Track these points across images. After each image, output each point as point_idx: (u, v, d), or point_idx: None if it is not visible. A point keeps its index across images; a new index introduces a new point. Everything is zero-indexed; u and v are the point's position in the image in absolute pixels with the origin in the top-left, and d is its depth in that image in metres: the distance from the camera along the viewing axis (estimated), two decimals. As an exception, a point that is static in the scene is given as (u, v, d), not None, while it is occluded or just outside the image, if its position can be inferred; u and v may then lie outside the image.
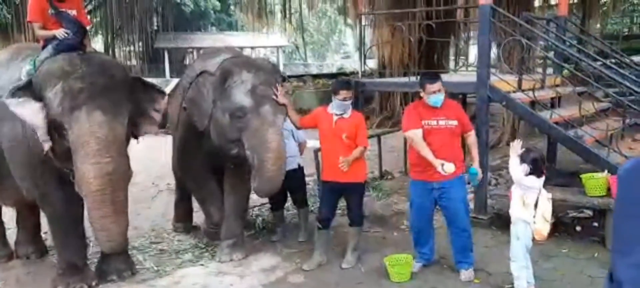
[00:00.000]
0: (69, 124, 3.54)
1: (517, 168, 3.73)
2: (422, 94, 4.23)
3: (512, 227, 3.85)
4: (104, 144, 3.54)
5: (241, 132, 4.24)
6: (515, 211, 3.80)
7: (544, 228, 3.70)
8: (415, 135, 4.17)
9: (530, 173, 3.70)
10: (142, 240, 5.43)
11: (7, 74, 4.17)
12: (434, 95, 4.14)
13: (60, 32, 3.94)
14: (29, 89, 3.67)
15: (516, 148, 3.78)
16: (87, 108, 3.53)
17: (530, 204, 3.69)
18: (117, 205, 3.65)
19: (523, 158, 3.74)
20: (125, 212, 3.80)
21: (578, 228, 5.02)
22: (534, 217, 3.68)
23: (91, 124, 3.52)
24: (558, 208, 5.19)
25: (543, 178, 3.75)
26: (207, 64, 4.67)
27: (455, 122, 4.17)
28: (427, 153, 4.07)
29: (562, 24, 6.68)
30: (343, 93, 4.42)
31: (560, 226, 5.12)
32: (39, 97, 3.64)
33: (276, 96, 4.31)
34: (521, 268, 3.81)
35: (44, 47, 4.03)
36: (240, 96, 4.23)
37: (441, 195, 4.21)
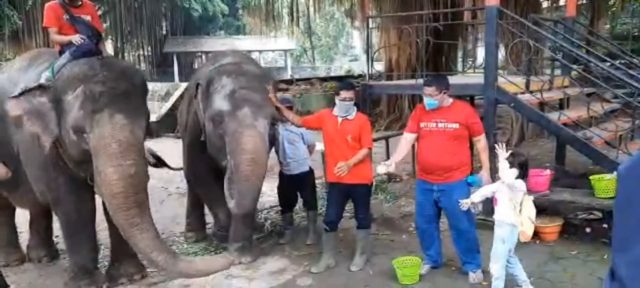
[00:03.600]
0: (90, 127, 3.56)
1: (508, 172, 3.77)
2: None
3: (497, 229, 3.87)
4: (126, 147, 3.56)
5: (223, 138, 4.25)
6: (504, 215, 3.82)
7: (530, 229, 3.78)
8: (404, 138, 4.40)
9: (518, 177, 3.76)
10: (152, 243, 5.47)
11: (24, 77, 4.22)
12: (426, 98, 4.20)
13: (76, 38, 3.99)
14: (43, 90, 3.72)
15: (501, 153, 3.83)
16: (109, 111, 3.56)
17: (517, 206, 3.74)
18: (141, 206, 3.64)
19: (512, 163, 3.79)
20: (149, 210, 3.76)
21: (588, 229, 4.98)
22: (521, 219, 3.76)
23: (113, 126, 3.55)
24: (567, 209, 5.19)
25: (524, 181, 3.87)
26: (205, 73, 4.71)
27: (455, 125, 4.15)
28: (395, 157, 4.35)
29: (570, 25, 6.66)
30: (343, 93, 4.45)
31: (570, 228, 5.10)
32: (57, 101, 3.69)
33: (262, 105, 4.30)
34: (503, 269, 3.85)
35: (60, 52, 4.08)
36: (219, 101, 4.26)
37: (440, 197, 4.24)
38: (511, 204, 3.77)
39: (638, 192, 1.06)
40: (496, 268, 3.85)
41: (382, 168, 4.24)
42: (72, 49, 3.95)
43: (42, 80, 3.88)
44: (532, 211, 3.78)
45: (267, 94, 4.49)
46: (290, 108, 4.99)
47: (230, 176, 4.34)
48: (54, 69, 3.89)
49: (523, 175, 3.81)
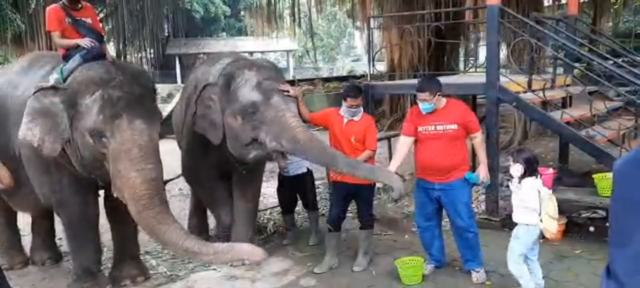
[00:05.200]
0: (110, 132, 3.59)
1: (513, 170, 3.79)
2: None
3: (515, 228, 3.88)
4: (146, 151, 3.62)
5: (257, 129, 4.19)
6: (516, 215, 3.84)
7: (552, 226, 3.73)
8: (401, 142, 4.38)
9: (525, 174, 3.73)
10: (155, 244, 5.46)
11: (26, 80, 4.24)
12: (422, 103, 4.19)
13: (85, 42, 4.00)
14: (55, 91, 3.76)
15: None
16: (128, 116, 3.60)
17: (530, 207, 3.71)
18: (164, 203, 3.70)
19: (516, 159, 3.78)
20: (168, 205, 3.79)
21: (591, 228, 4.97)
22: (541, 216, 3.70)
23: (133, 132, 3.59)
24: (571, 208, 5.16)
25: (539, 177, 3.80)
26: (208, 73, 4.66)
27: (453, 126, 4.15)
28: (394, 163, 4.33)
29: (572, 23, 6.64)
30: (349, 101, 4.46)
31: (574, 227, 5.08)
32: (71, 103, 3.71)
33: (285, 91, 4.28)
34: (519, 267, 3.83)
35: (64, 56, 4.08)
36: (248, 93, 4.21)
37: (441, 197, 4.25)
38: (521, 204, 3.75)
39: (634, 187, 1.06)
40: (512, 267, 3.84)
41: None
42: (83, 52, 3.96)
43: (51, 82, 3.89)
44: (551, 207, 3.73)
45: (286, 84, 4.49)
46: None
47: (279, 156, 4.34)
48: (64, 72, 3.89)
49: (531, 171, 3.75)
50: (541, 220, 3.70)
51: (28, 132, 3.75)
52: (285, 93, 4.27)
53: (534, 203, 3.69)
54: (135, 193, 3.58)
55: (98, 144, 3.66)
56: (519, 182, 3.78)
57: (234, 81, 4.28)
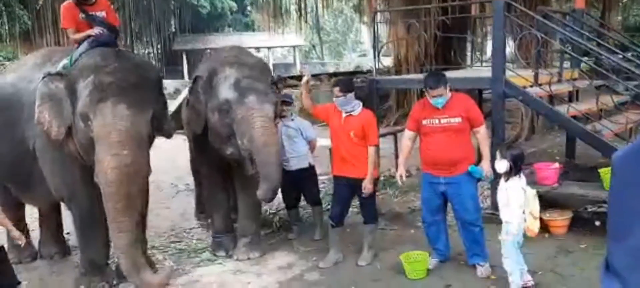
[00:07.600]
0: (93, 115, 3.65)
1: (498, 164, 3.81)
2: (426, 94, 4.25)
3: (503, 225, 3.88)
4: (125, 137, 3.64)
5: (230, 127, 4.30)
6: (504, 214, 3.85)
7: (534, 225, 3.76)
8: (406, 137, 4.45)
9: (510, 171, 3.76)
10: (162, 239, 5.52)
11: (40, 75, 4.28)
12: (435, 99, 4.18)
13: (95, 30, 4.09)
14: (61, 77, 3.86)
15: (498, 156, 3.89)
16: (113, 101, 3.64)
17: (514, 204, 3.73)
18: (130, 198, 3.71)
19: (503, 154, 3.79)
20: (138, 208, 3.85)
21: (597, 223, 4.94)
22: (524, 216, 3.74)
23: (114, 116, 3.63)
24: (577, 203, 5.15)
25: (523, 177, 3.84)
26: (205, 67, 4.76)
27: (458, 119, 4.15)
28: (403, 157, 4.46)
29: (579, 17, 6.59)
30: (335, 90, 4.50)
31: (579, 221, 5.06)
32: (72, 89, 3.80)
33: (267, 92, 4.35)
34: (514, 264, 3.84)
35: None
36: (225, 90, 4.32)
37: (448, 190, 4.25)
38: (508, 203, 3.77)
39: (634, 180, 1.05)
40: (507, 264, 3.86)
41: (398, 177, 4.41)
42: (90, 39, 4.06)
43: (60, 68, 4.00)
44: (534, 207, 3.76)
45: (269, 83, 4.53)
46: (289, 104, 5.04)
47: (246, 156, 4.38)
48: (72, 58, 4.00)
49: (517, 169, 3.79)
50: (525, 219, 3.74)
51: (39, 115, 3.85)
52: (265, 94, 4.32)
53: (520, 202, 3.72)
54: (106, 179, 3.61)
55: (87, 127, 3.72)
56: (506, 180, 3.81)
57: (216, 77, 4.41)
